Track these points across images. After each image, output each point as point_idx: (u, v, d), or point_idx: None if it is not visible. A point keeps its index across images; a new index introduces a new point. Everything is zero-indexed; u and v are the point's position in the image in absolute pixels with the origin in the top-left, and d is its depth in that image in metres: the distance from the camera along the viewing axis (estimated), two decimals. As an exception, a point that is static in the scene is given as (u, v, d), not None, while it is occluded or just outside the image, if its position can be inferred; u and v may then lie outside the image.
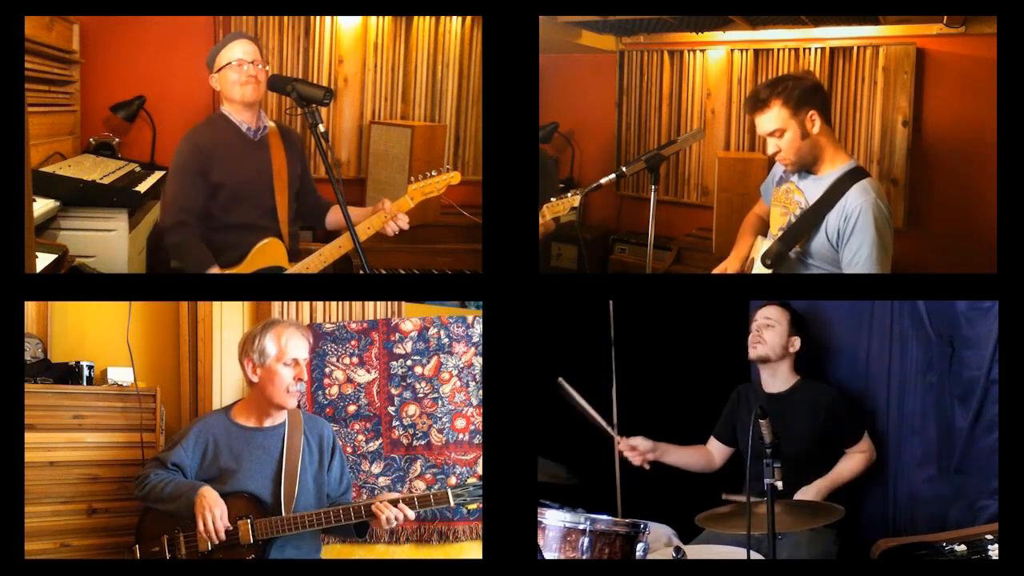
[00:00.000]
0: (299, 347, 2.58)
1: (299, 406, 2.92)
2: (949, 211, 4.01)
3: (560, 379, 2.79)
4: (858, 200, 2.55)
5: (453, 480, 2.96)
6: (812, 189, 2.67)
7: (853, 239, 2.55)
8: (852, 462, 2.75)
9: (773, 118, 2.62)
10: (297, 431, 2.60)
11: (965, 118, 3.88)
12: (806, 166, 2.69)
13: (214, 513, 2.39)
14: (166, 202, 2.93)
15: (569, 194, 3.06)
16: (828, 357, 3.01)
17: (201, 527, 2.40)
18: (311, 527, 2.46)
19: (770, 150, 2.68)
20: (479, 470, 2.96)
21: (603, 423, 2.83)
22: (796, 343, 2.84)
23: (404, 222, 2.93)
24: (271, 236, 2.94)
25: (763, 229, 2.93)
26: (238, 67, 2.87)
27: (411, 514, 2.45)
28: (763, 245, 2.84)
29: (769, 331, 2.82)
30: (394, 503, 2.44)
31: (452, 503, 2.48)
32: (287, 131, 3.12)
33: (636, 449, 2.86)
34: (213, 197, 2.88)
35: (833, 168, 2.65)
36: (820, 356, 3.00)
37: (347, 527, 2.51)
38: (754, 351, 2.84)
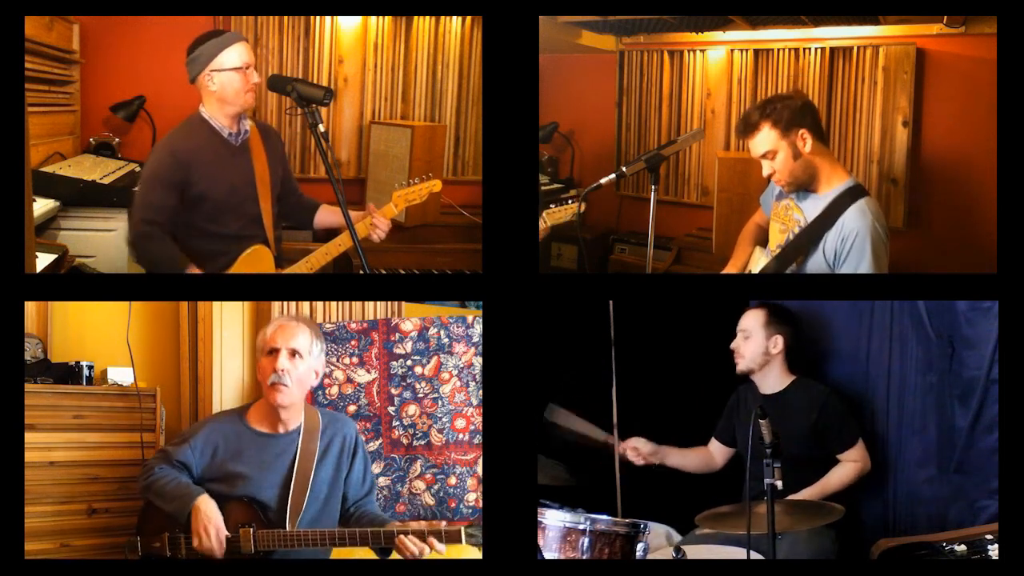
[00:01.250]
0: (283, 336, 2.47)
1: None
2: (949, 211, 4.00)
3: (548, 409, 2.78)
4: (856, 223, 2.56)
5: (453, 480, 2.96)
6: (811, 208, 2.68)
7: (849, 261, 2.56)
8: (843, 471, 2.71)
9: (764, 140, 2.64)
10: (312, 437, 2.51)
11: (965, 118, 3.88)
12: (802, 186, 2.70)
13: (208, 532, 2.34)
14: (133, 209, 2.79)
15: (570, 201, 3.06)
16: (828, 357, 3.01)
17: (195, 543, 2.35)
18: (313, 546, 2.38)
19: (765, 172, 2.71)
20: (479, 470, 2.96)
21: (600, 436, 2.83)
22: (778, 343, 2.79)
23: (385, 225, 2.90)
24: (258, 243, 2.87)
25: (761, 238, 2.94)
26: (243, 73, 2.79)
27: (441, 548, 2.31)
28: (761, 259, 2.85)
29: (746, 344, 2.81)
30: (419, 535, 2.31)
31: (464, 542, 2.38)
32: (267, 131, 3.02)
33: (638, 451, 2.87)
34: (196, 208, 2.79)
35: (831, 187, 2.66)
36: (820, 356, 3.00)
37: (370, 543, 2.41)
38: (737, 367, 2.84)
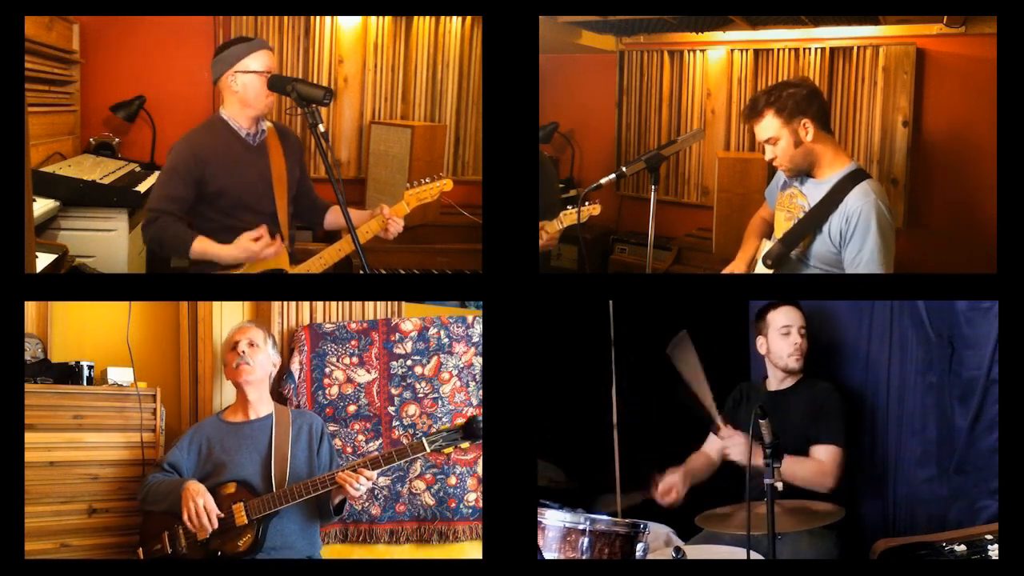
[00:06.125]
0: (241, 334, 2.78)
1: (296, 405, 2.94)
2: (949, 211, 4.00)
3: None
4: (859, 202, 2.57)
5: (453, 480, 2.96)
6: (814, 193, 2.69)
7: (854, 241, 2.57)
8: (805, 464, 2.62)
9: (767, 127, 2.67)
10: (285, 423, 2.72)
11: (965, 118, 3.88)
12: (802, 172, 2.73)
13: (196, 502, 2.50)
14: (153, 196, 2.89)
15: (587, 203, 3.04)
16: (828, 357, 3.00)
17: (185, 517, 2.50)
18: (299, 498, 2.53)
19: (767, 156, 2.74)
20: (479, 470, 2.96)
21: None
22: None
23: (400, 226, 2.95)
24: None
25: (768, 232, 2.95)
26: (265, 78, 2.83)
27: (373, 475, 2.52)
28: (767, 248, 2.85)
29: (804, 341, 2.79)
30: (354, 468, 2.52)
31: (428, 450, 2.56)
32: (285, 132, 3.08)
33: (673, 489, 2.78)
34: (213, 203, 2.86)
35: (833, 172, 2.67)
36: (820, 356, 3.00)
37: (327, 509, 2.60)
38: (797, 363, 2.79)
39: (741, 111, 3.46)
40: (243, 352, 2.75)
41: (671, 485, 2.78)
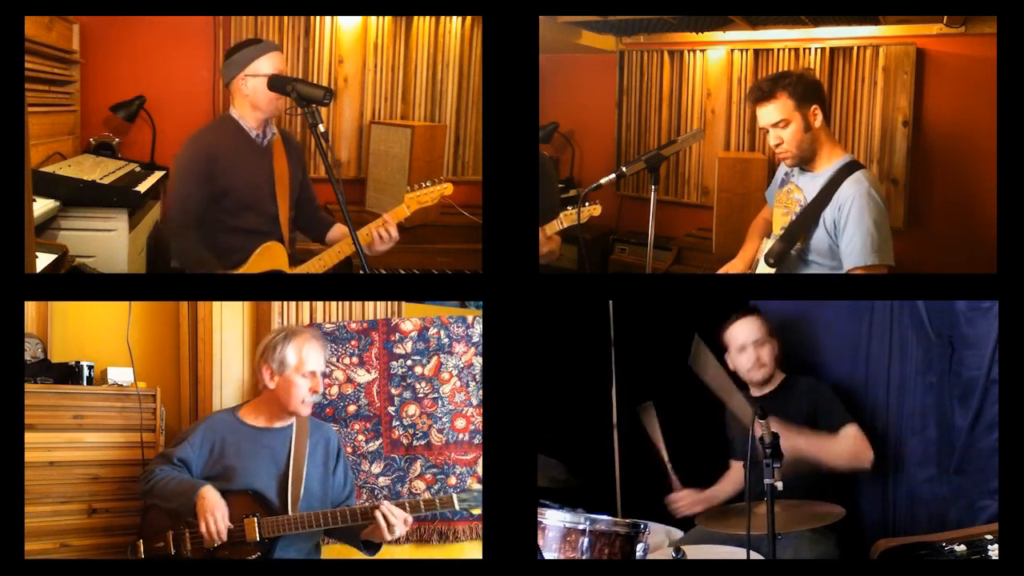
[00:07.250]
0: (317, 360, 2.64)
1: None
2: (949, 211, 4.00)
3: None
4: (850, 191, 2.60)
5: (453, 480, 2.96)
6: (810, 187, 2.70)
7: (847, 229, 2.59)
8: (844, 442, 2.64)
9: (778, 109, 2.68)
10: (304, 435, 2.64)
11: (965, 118, 3.88)
12: (804, 160, 2.74)
13: (215, 516, 2.42)
14: (170, 202, 2.96)
15: (587, 204, 3.05)
16: (828, 358, 3.00)
17: (203, 529, 2.42)
18: (317, 527, 2.47)
19: (772, 142, 2.74)
20: (479, 470, 2.96)
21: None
22: (776, 347, 2.81)
23: (390, 236, 2.96)
24: (272, 240, 2.95)
25: (769, 232, 2.95)
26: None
27: (409, 519, 2.46)
28: (767, 246, 2.85)
29: (763, 351, 2.80)
30: (399, 506, 2.44)
31: (457, 507, 2.50)
32: (290, 138, 3.14)
33: (681, 502, 2.89)
34: (218, 201, 2.89)
35: (830, 163, 2.69)
36: (820, 357, 3.00)
37: (357, 542, 2.55)
38: (761, 374, 2.80)
39: (746, 95, 3.46)
40: (320, 390, 2.66)
41: (689, 500, 2.88)
